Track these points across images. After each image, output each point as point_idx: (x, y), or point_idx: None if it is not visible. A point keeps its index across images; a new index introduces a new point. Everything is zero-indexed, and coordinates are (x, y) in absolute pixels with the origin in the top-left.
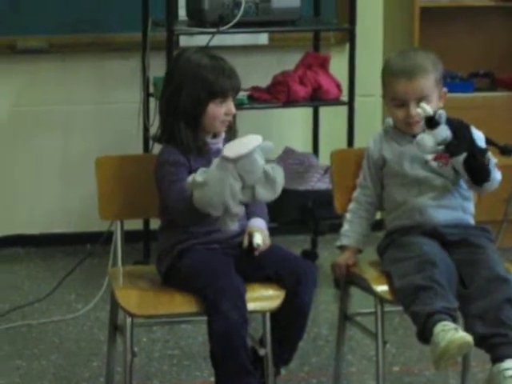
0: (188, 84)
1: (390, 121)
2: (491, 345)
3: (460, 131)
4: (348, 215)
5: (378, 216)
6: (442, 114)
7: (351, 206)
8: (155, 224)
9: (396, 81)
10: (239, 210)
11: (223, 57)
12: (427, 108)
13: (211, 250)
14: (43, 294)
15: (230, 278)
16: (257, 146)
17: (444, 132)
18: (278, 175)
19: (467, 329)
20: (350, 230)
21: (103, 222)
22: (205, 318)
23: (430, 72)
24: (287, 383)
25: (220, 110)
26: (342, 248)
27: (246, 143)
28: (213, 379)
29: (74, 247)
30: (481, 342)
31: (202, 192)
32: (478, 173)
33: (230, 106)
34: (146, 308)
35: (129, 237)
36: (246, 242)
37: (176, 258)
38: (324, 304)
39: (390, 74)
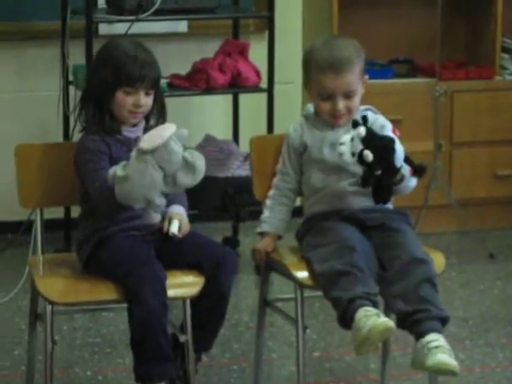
0: (100, 67)
1: (310, 107)
2: (413, 321)
3: (380, 154)
4: (268, 201)
5: (298, 202)
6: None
7: (271, 192)
8: (75, 212)
9: (323, 75)
10: (161, 201)
11: (149, 49)
12: (369, 156)
13: (132, 236)
14: None
15: (151, 265)
16: (172, 134)
17: (368, 156)
18: (198, 160)
19: (389, 309)
20: (270, 216)
21: (24, 211)
22: (126, 306)
23: (355, 64)
24: (209, 369)
25: (127, 100)
26: (262, 234)
27: (160, 133)
28: None
29: None
30: (403, 320)
31: (123, 186)
32: (382, 191)
33: (139, 97)
34: (67, 296)
35: (49, 225)
36: (166, 227)
37: (96, 246)
38: (245, 290)
39: (317, 68)
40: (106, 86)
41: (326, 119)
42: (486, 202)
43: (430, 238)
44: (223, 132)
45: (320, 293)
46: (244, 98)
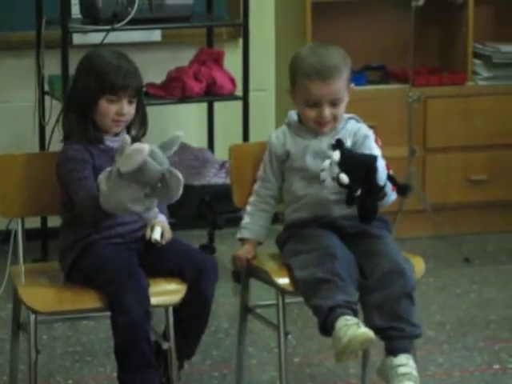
0: (84, 76)
1: (293, 114)
2: (387, 337)
3: (362, 175)
4: (248, 208)
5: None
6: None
7: (252, 198)
8: (53, 222)
9: (310, 82)
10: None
11: (131, 59)
12: (344, 179)
13: (114, 244)
14: None
15: (134, 273)
16: (146, 155)
17: (344, 179)
18: (174, 182)
19: (365, 320)
20: (251, 222)
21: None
22: (106, 314)
23: (342, 72)
24: (190, 377)
25: (110, 108)
26: (243, 240)
27: (136, 154)
28: (115, 374)
29: None
30: (377, 333)
31: (108, 201)
32: (366, 211)
33: (122, 106)
34: (50, 305)
35: (26, 235)
36: (148, 234)
37: (79, 254)
38: (223, 297)
39: (304, 75)
40: (90, 95)
41: (310, 126)
42: (461, 207)
43: (405, 243)
44: (198, 140)
45: (299, 299)
46: (218, 106)
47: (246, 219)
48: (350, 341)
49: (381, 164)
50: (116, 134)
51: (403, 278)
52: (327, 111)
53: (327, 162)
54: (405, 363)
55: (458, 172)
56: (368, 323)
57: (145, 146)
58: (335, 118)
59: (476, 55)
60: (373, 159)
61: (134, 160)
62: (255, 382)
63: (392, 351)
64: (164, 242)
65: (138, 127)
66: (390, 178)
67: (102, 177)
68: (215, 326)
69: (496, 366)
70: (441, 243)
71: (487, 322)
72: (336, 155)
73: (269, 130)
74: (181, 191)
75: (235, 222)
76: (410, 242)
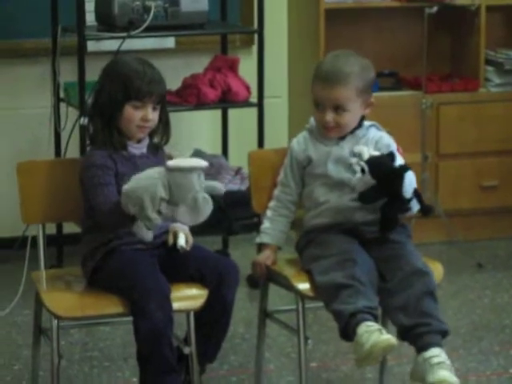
0: (109, 82)
1: (313, 120)
2: (415, 335)
3: (384, 181)
4: (268, 213)
5: None
6: (365, 168)
7: (272, 203)
8: (69, 228)
9: (317, 84)
10: (155, 217)
11: (154, 66)
12: (365, 152)
13: (136, 250)
14: None
15: (155, 278)
16: (196, 167)
17: (367, 180)
18: (206, 207)
19: (391, 321)
20: (271, 227)
21: (13, 228)
22: (123, 320)
23: (351, 81)
24: (208, 381)
25: (135, 114)
26: (262, 245)
27: (189, 162)
28: (134, 379)
29: None
30: (405, 333)
31: (130, 184)
32: (389, 222)
33: (146, 112)
34: (73, 310)
35: None
36: (171, 240)
37: (101, 260)
38: (239, 302)
39: (315, 76)
40: (115, 101)
41: (320, 131)
42: (473, 213)
43: (418, 249)
44: (212, 147)
45: (317, 304)
46: (232, 113)
47: (266, 224)
48: (372, 347)
49: (409, 177)
50: (139, 141)
51: (424, 278)
52: (329, 116)
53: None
54: (437, 354)
55: (470, 178)
56: (394, 324)
57: (204, 162)
58: (340, 126)
59: (488, 62)
60: (404, 169)
61: (187, 162)
62: None
63: (423, 347)
64: (188, 248)
65: (161, 135)
66: (416, 194)
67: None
68: (231, 331)
69: None
70: (453, 249)
71: (502, 326)
72: (366, 157)
73: (282, 137)
74: (206, 217)
75: (250, 228)
76: (423, 247)
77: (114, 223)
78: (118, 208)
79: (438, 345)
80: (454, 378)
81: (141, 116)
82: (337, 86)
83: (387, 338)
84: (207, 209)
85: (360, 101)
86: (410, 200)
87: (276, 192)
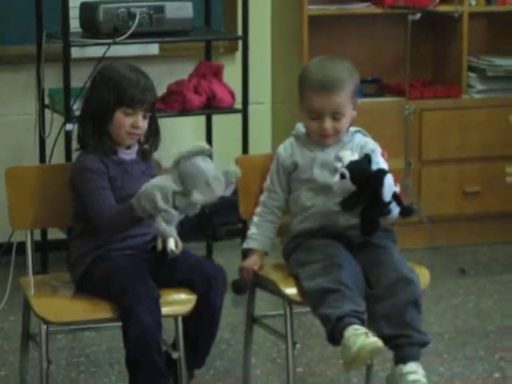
0: (101, 88)
1: (300, 127)
2: (395, 345)
3: (364, 186)
4: (255, 218)
5: None
6: (346, 174)
7: (258, 209)
8: (53, 235)
9: (313, 94)
10: (168, 207)
11: (147, 74)
12: (347, 157)
13: (125, 255)
14: None
15: (145, 283)
16: (198, 151)
17: (347, 185)
18: (218, 186)
19: (373, 329)
20: (258, 233)
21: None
22: (111, 325)
23: (346, 86)
24: None
25: (126, 121)
26: (249, 251)
27: (191, 148)
28: None
29: None
30: (386, 342)
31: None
32: (369, 224)
33: (137, 119)
34: (62, 315)
35: (23, 248)
36: (160, 245)
37: (90, 265)
38: (224, 308)
39: (308, 87)
40: (106, 107)
41: (314, 139)
42: (456, 219)
43: (408, 254)
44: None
45: (303, 309)
46: (216, 119)
47: (253, 230)
48: (359, 350)
49: (388, 180)
50: (128, 147)
51: (409, 287)
52: (328, 123)
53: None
54: (414, 370)
55: (453, 184)
56: (376, 332)
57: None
58: (337, 131)
59: (470, 68)
60: (379, 175)
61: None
62: None
63: (401, 359)
64: (178, 252)
65: (151, 141)
66: (395, 197)
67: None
68: (217, 336)
69: (497, 375)
70: (436, 254)
71: (486, 331)
72: (347, 157)
73: (265, 143)
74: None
75: (234, 233)
76: (406, 253)
77: (118, 228)
78: (118, 212)
79: (417, 358)
80: None
81: (131, 123)
82: (334, 94)
83: (374, 340)
84: (220, 187)
85: (351, 104)
86: (389, 203)
87: (262, 198)
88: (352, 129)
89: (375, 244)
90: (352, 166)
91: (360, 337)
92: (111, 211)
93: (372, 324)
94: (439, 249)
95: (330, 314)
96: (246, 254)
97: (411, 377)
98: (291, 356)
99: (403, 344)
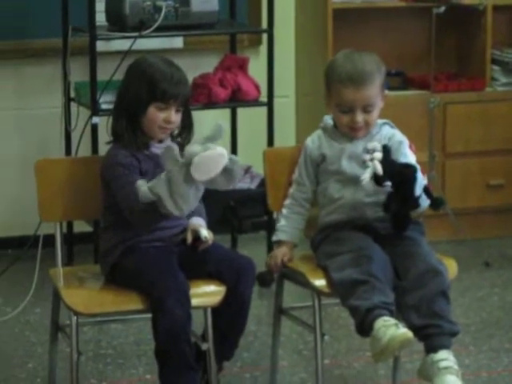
0: (135, 82)
1: (328, 119)
2: (425, 335)
3: (401, 188)
4: (284, 211)
5: None
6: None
7: (287, 201)
8: (78, 227)
9: (344, 88)
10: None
11: (180, 67)
12: (378, 168)
13: (155, 247)
14: None
15: (174, 275)
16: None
17: (386, 189)
18: (236, 166)
19: (402, 320)
20: (287, 225)
21: (24, 227)
22: (139, 317)
23: (376, 78)
24: (222, 378)
25: (159, 115)
26: (278, 243)
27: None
28: (148, 376)
29: None
30: (415, 332)
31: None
32: (400, 220)
33: (170, 114)
34: (92, 306)
35: (52, 240)
36: (189, 238)
37: (120, 257)
38: None
39: (337, 81)
40: (140, 101)
41: (344, 132)
42: (479, 211)
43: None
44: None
45: (331, 301)
46: (241, 112)
47: (282, 222)
48: (389, 341)
49: (419, 175)
50: (160, 141)
51: (438, 277)
52: (360, 117)
53: (370, 164)
54: (446, 358)
55: (477, 177)
56: (405, 323)
57: (223, 150)
58: (368, 124)
59: (494, 61)
60: (413, 169)
61: (215, 165)
62: (286, 383)
63: (432, 348)
64: (211, 241)
65: (184, 135)
66: (425, 190)
67: (152, 185)
68: None
69: None
70: (460, 247)
71: (511, 324)
72: (378, 154)
73: (290, 136)
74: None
75: (259, 226)
76: (431, 245)
77: (146, 220)
78: (150, 205)
79: (447, 347)
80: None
81: (164, 117)
82: (365, 87)
83: (404, 332)
84: (237, 167)
85: (380, 96)
86: (419, 197)
87: (291, 190)
88: (379, 121)
89: (404, 236)
90: (384, 166)
91: (390, 328)
92: (144, 205)
93: (401, 315)
94: (463, 242)
95: (360, 306)
96: (275, 246)
97: (443, 363)
98: (319, 348)
99: (433, 334)
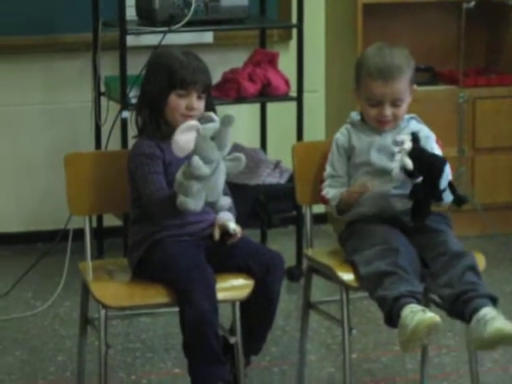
0: (154, 73)
1: (355, 115)
2: (464, 302)
3: (428, 177)
4: (324, 191)
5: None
6: (408, 165)
7: (324, 190)
8: (108, 221)
9: (373, 82)
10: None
11: (199, 57)
12: (409, 164)
13: (182, 242)
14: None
15: (200, 269)
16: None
17: (408, 164)
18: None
19: (439, 299)
20: (337, 191)
21: (54, 221)
22: (167, 310)
23: (405, 73)
24: (250, 371)
25: (180, 103)
26: (339, 208)
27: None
28: (177, 370)
29: (25, 246)
30: (453, 303)
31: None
32: (420, 210)
33: (191, 100)
34: (121, 299)
35: (82, 234)
36: (217, 235)
37: (147, 250)
38: None
39: (367, 74)
40: (160, 91)
41: (372, 125)
42: (508, 207)
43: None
44: (250, 140)
45: (355, 295)
46: (270, 107)
47: (331, 192)
48: (416, 326)
49: (447, 169)
50: None
51: (464, 258)
52: (388, 111)
53: (398, 156)
54: (490, 311)
55: (506, 172)
56: (442, 299)
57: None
58: (396, 118)
59: None
60: (442, 161)
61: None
62: (314, 377)
63: (473, 311)
64: (240, 235)
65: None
66: (450, 185)
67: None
68: None
69: None
70: (489, 242)
71: None
72: (408, 146)
73: (319, 131)
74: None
75: (288, 221)
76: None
77: (164, 212)
78: (168, 197)
79: (489, 305)
80: (509, 326)
81: (186, 104)
82: (395, 81)
83: (431, 315)
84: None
85: (409, 90)
86: (443, 191)
87: (326, 183)
88: (407, 116)
89: (431, 228)
90: (414, 153)
91: (417, 313)
92: (159, 195)
93: (437, 295)
94: (492, 237)
95: (387, 296)
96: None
97: (489, 315)
98: (347, 342)
99: (471, 297)
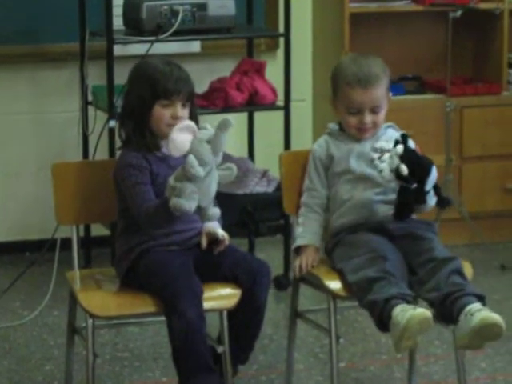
0: (137, 85)
1: (333, 126)
2: (451, 302)
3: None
4: (300, 219)
5: None
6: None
7: (301, 210)
8: (96, 231)
9: (351, 90)
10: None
11: (181, 66)
12: (404, 170)
13: (169, 251)
14: None
15: (187, 278)
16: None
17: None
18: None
19: (426, 303)
20: (304, 231)
21: (41, 231)
22: (155, 319)
23: (382, 80)
24: (237, 381)
25: (165, 113)
26: (299, 249)
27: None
28: (165, 379)
29: (13, 255)
30: (441, 305)
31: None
32: (404, 208)
33: (176, 110)
34: (108, 309)
35: (69, 244)
36: (204, 243)
37: (135, 260)
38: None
39: (345, 83)
40: (144, 102)
41: (352, 133)
42: (496, 215)
43: None
44: (238, 150)
45: (342, 304)
46: (258, 116)
47: (300, 229)
48: (408, 322)
49: (434, 171)
50: None
51: (450, 262)
52: (368, 118)
53: (387, 155)
54: (476, 305)
55: (494, 180)
56: (430, 302)
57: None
58: (375, 125)
59: (511, 65)
60: (431, 162)
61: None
62: None
63: (460, 308)
64: (227, 242)
65: None
66: (435, 187)
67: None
68: None
69: None
70: (477, 251)
71: None
72: (400, 148)
73: (306, 140)
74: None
75: (276, 230)
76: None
77: (154, 222)
78: (158, 206)
79: (476, 302)
80: (496, 316)
81: (170, 114)
82: (373, 88)
83: (422, 311)
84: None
85: (387, 97)
86: (427, 192)
87: (303, 199)
88: (384, 124)
89: (417, 235)
90: (405, 154)
91: (408, 311)
92: (149, 205)
93: (424, 300)
94: (480, 245)
95: (377, 299)
96: (294, 254)
97: (474, 308)
98: (335, 350)
99: (458, 297)
